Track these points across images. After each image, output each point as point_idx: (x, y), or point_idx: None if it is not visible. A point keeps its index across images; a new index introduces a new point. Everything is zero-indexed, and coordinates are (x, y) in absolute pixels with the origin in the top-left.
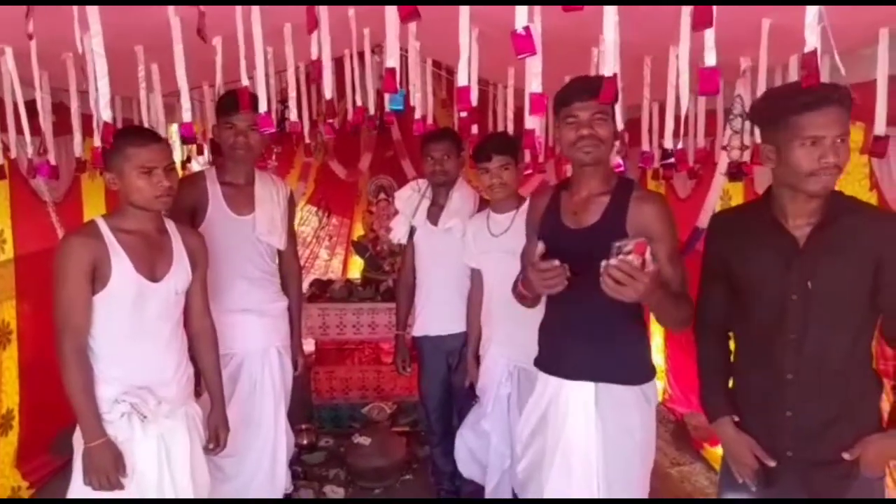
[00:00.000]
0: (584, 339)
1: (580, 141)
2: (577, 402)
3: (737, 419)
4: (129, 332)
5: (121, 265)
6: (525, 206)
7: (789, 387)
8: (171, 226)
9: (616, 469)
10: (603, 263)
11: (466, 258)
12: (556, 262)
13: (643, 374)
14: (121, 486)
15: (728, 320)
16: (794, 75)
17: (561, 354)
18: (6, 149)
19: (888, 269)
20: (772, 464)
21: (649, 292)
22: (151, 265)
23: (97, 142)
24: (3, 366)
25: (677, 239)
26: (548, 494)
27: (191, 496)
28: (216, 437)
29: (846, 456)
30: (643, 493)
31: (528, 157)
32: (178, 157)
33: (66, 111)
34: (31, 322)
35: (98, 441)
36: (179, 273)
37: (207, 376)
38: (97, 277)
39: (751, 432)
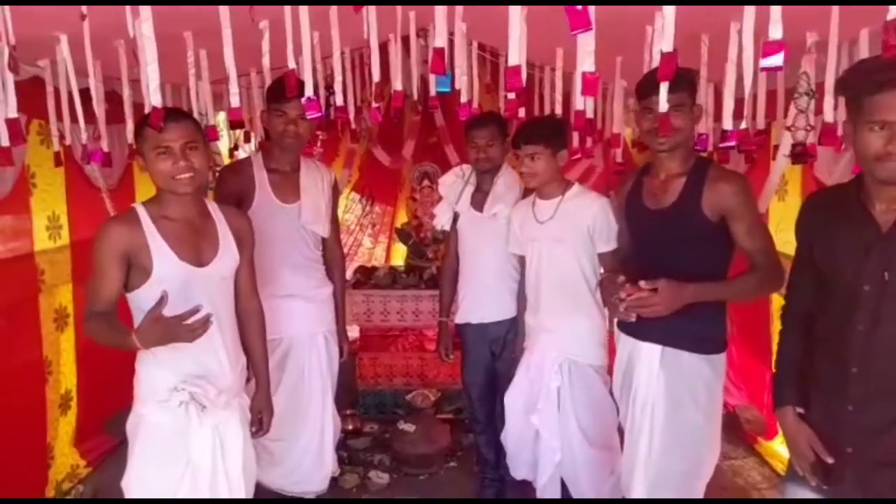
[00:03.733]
0: None
1: (655, 132)
2: (644, 362)
3: (801, 411)
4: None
5: (162, 254)
6: (571, 191)
7: (853, 381)
8: (213, 208)
9: (677, 430)
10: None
11: (511, 246)
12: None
13: (711, 345)
14: (187, 325)
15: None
16: (863, 50)
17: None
18: (62, 136)
19: None
20: (829, 460)
21: (670, 304)
22: (197, 251)
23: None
24: (61, 348)
25: (756, 213)
26: (627, 447)
27: (241, 488)
28: (259, 420)
29: None
30: (708, 463)
31: (576, 140)
32: (225, 145)
33: (119, 100)
34: None
35: (132, 335)
36: (226, 256)
37: (254, 358)
38: (137, 266)
39: (814, 425)
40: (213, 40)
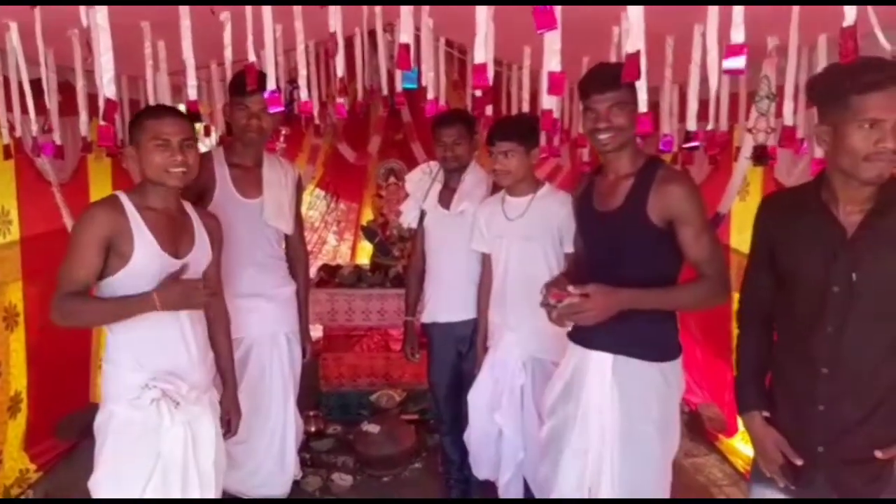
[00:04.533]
0: None
1: (597, 132)
2: (596, 371)
3: (767, 414)
4: (153, 313)
5: (144, 241)
6: (543, 190)
7: (823, 381)
8: (188, 205)
9: (631, 444)
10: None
11: (475, 243)
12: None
13: (662, 352)
14: (201, 291)
15: (772, 310)
16: (822, 55)
17: (586, 326)
18: (11, 128)
19: None
20: (798, 462)
21: (604, 310)
22: (175, 243)
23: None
24: (10, 348)
25: (704, 218)
26: (565, 459)
27: (213, 483)
28: (227, 422)
29: (878, 454)
30: (665, 478)
31: (543, 139)
32: None
33: (72, 91)
34: (38, 304)
35: (152, 296)
36: (201, 251)
37: (220, 359)
38: (116, 253)
39: (783, 426)
40: (171, 31)
